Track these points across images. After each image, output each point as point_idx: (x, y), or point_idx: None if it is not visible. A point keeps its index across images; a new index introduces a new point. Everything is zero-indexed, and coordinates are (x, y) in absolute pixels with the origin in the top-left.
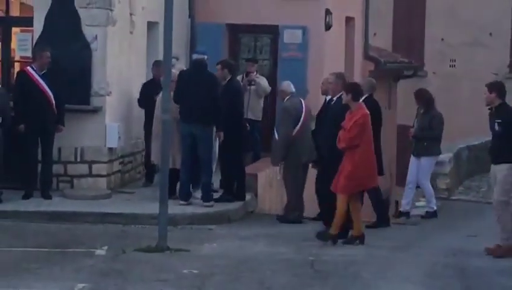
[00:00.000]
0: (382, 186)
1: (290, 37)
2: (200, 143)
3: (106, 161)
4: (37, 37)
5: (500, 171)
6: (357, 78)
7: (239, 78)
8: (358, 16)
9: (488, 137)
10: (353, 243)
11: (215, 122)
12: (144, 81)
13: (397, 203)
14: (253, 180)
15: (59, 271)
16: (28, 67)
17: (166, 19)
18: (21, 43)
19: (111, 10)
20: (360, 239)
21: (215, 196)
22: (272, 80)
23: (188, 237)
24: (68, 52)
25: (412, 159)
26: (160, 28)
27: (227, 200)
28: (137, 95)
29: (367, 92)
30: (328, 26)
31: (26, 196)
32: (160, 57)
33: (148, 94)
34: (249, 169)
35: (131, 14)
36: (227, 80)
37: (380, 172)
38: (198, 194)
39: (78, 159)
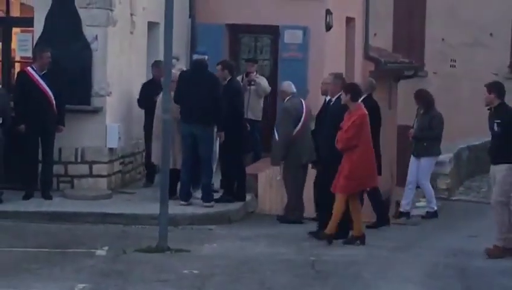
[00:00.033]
0: (382, 186)
1: (291, 37)
2: (201, 143)
3: (106, 161)
4: (38, 37)
5: (499, 171)
6: (358, 78)
7: (239, 78)
8: (359, 16)
9: (488, 137)
10: (354, 244)
11: (215, 123)
12: (144, 81)
13: (398, 203)
14: (254, 180)
15: (59, 271)
16: (29, 68)
17: (166, 19)
18: (21, 43)
19: (111, 10)
20: (361, 239)
21: (216, 196)
22: (272, 80)
23: (189, 237)
24: (68, 53)
25: (412, 159)
26: (161, 28)
27: (228, 200)
28: (137, 96)
29: (366, 91)
30: (328, 27)
31: (27, 196)
32: (161, 57)
33: (147, 94)
34: (249, 169)
35: (131, 15)
36: (227, 80)
37: (379, 172)
38: (198, 194)
39: (79, 160)
